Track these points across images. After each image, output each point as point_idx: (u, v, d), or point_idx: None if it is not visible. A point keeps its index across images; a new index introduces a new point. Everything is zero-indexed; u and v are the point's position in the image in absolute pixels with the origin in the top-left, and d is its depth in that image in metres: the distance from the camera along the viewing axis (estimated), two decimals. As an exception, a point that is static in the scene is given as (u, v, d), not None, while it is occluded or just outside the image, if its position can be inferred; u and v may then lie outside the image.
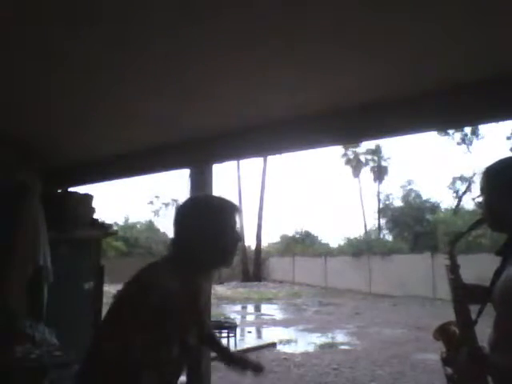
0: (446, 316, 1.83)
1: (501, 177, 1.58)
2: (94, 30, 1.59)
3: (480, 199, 1.68)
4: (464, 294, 1.68)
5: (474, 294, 1.70)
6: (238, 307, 15.51)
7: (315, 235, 34.54)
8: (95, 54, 1.77)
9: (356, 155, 33.99)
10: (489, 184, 1.62)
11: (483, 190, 1.65)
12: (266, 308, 16.04)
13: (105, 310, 1.52)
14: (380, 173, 33.25)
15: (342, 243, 28.41)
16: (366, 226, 33.32)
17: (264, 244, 32.76)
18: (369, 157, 33.99)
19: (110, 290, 4.54)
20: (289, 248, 30.00)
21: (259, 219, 30.03)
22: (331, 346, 9.25)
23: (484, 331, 1.60)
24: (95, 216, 3.88)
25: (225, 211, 1.54)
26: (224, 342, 8.48)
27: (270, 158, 30.60)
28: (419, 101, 1.95)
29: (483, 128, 27.88)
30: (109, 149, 3.09)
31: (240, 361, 1.82)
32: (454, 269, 1.73)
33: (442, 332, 1.73)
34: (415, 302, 15.77)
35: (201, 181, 2.67)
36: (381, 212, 31.91)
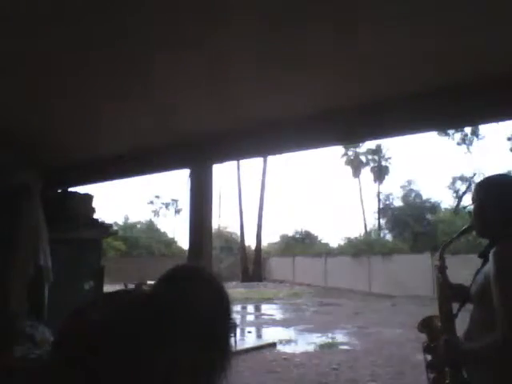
0: (446, 316, 1.89)
1: (492, 190, 1.77)
2: (94, 31, 1.59)
3: (471, 207, 1.86)
4: (449, 292, 1.89)
5: (457, 293, 1.91)
6: (238, 307, 15.50)
7: (315, 235, 34.62)
8: (96, 55, 1.77)
9: (356, 155, 34.00)
10: (481, 195, 1.80)
11: (475, 200, 1.83)
12: (265, 308, 16.05)
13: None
14: (380, 173, 33.26)
15: (342, 243, 28.45)
16: (366, 226, 33.37)
17: (264, 244, 32.83)
18: (369, 157, 34.00)
19: (110, 290, 4.52)
20: (289, 248, 30.03)
21: (259, 219, 30.04)
22: (331, 345, 9.25)
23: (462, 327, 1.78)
24: (95, 216, 3.89)
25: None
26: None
27: (270, 158, 30.64)
28: (419, 101, 1.96)
29: (483, 128, 27.97)
30: (109, 149, 3.09)
31: None
32: (442, 269, 1.93)
33: (426, 324, 1.90)
34: (415, 302, 15.76)
35: (201, 181, 2.67)
36: (381, 212, 31.94)
